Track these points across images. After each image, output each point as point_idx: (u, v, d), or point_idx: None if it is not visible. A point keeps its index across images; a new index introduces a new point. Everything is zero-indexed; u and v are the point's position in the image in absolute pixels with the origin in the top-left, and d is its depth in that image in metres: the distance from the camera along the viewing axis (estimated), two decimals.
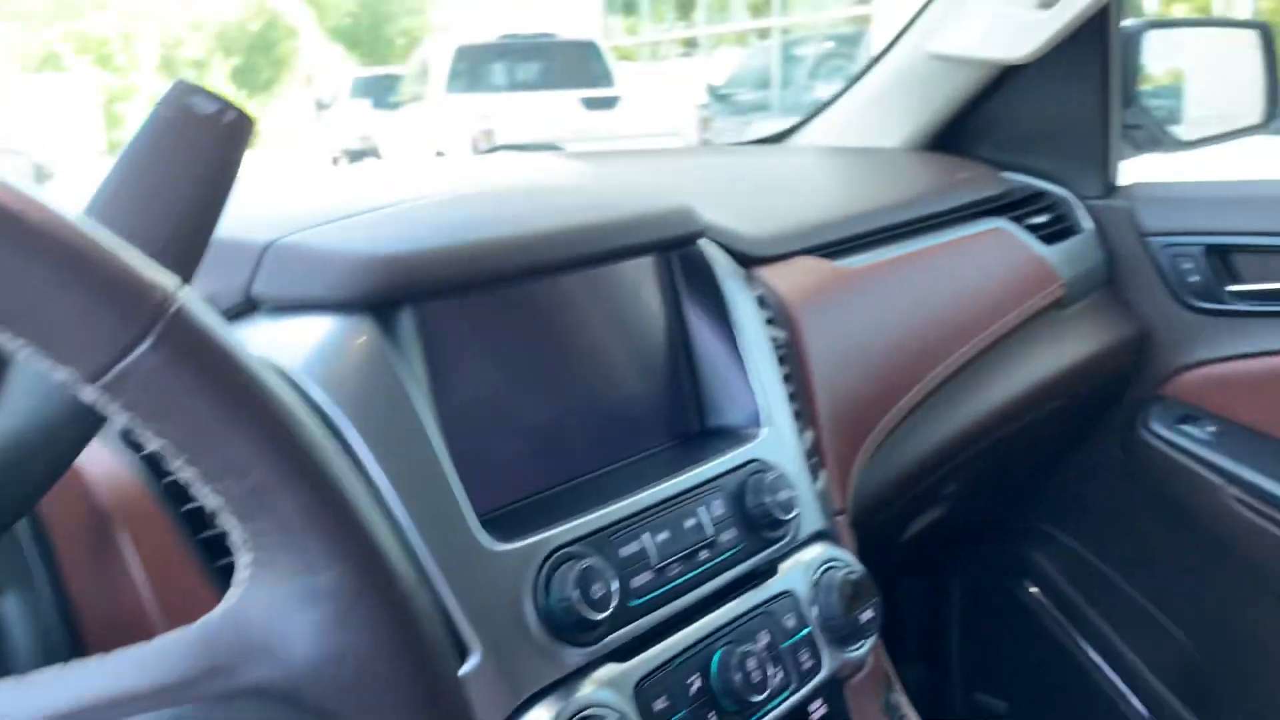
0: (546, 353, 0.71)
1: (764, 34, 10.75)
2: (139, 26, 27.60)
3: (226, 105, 0.43)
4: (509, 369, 0.68)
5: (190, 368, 0.29)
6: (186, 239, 0.42)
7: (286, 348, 0.58)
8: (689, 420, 0.78)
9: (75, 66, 25.54)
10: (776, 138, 1.52)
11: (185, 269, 0.42)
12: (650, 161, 1.21)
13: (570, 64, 9.12)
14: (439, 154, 7.98)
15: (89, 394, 0.29)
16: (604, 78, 9.03)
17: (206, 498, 0.32)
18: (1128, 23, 1.36)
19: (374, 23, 31.81)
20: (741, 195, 1.07)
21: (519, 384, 0.69)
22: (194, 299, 0.31)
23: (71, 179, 17.06)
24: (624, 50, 12.99)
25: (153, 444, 0.30)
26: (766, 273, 0.90)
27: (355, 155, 13.62)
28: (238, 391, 0.30)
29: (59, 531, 0.52)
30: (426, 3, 31.40)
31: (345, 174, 0.89)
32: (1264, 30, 1.44)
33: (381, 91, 11.52)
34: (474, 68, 8.86)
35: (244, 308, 0.61)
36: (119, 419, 0.30)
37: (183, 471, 0.31)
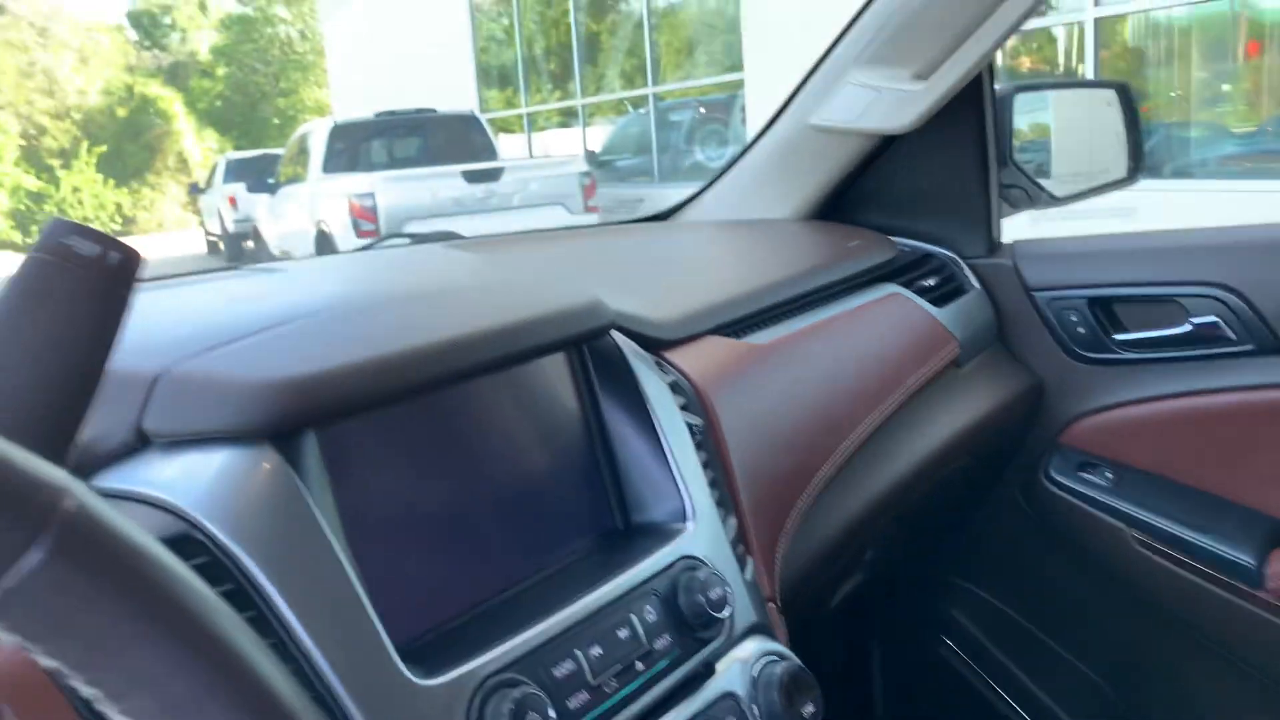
0: (459, 460, 0.68)
1: (639, 102, 10.95)
2: None
3: (110, 244, 0.40)
4: (421, 482, 0.65)
5: (89, 578, 0.26)
6: (66, 406, 0.38)
7: (183, 486, 0.54)
8: (612, 517, 0.76)
9: None
10: (667, 214, 1.53)
11: (64, 441, 0.38)
12: (547, 246, 1.20)
13: (451, 138, 9.11)
14: (321, 233, 7.84)
15: None
16: (486, 150, 9.03)
17: (113, 717, 0.28)
18: (998, 86, 1.41)
19: (247, 105, 31.41)
20: (643, 278, 1.06)
21: (433, 498, 0.66)
22: (89, 496, 0.27)
23: None
24: (502, 122, 13.06)
25: (45, 663, 0.27)
26: (676, 356, 0.89)
27: (233, 238, 13.35)
28: (148, 598, 0.27)
29: None
30: (299, 83, 31.15)
31: (234, 286, 0.85)
32: (1123, 89, 1.51)
33: (258, 173, 11.33)
34: (352, 146, 8.77)
35: (135, 444, 0.57)
36: (4, 640, 0.26)
37: (83, 689, 0.27)
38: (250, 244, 11.48)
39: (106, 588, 0.26)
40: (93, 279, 0.39)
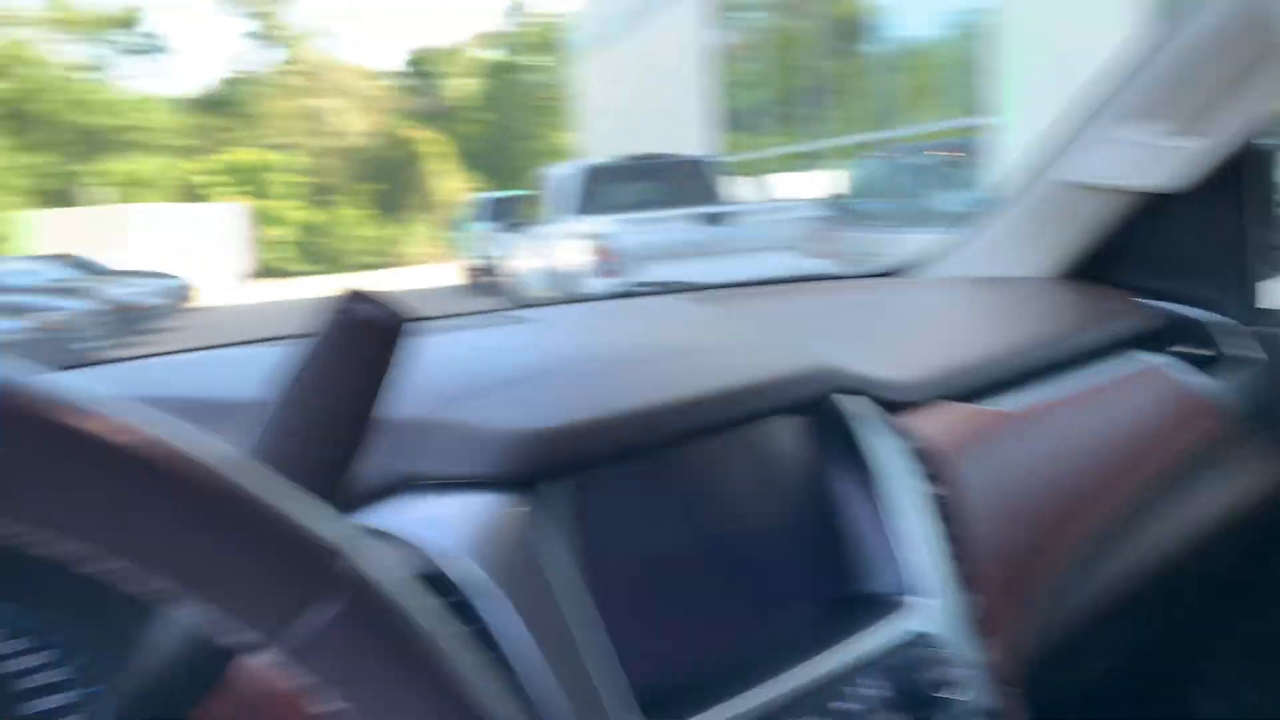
0: (688, 516, 0.69)
1: (878, 145, 10.81)
2: (279, 157, 29.42)
3: (388, 309, 0.43)
4: (650, 536, 0.67)
5: (371, 631, 0.28)
6: (343, 453, 0.41)
7: (441, 526, 0.57)
8: (840, 585, 0.74)
9: (220, 196, 27.31)
10: (908, 267, 1.50)
11: (338, 486, 0.42)
12: (785, 300, 1.20)
13: (688, 181, 9.30)
14: (565, 271, 8.16)
15: (270, 656, 0.28)
16: (722, 193, 9.17)
17: None
18: (1262, 142, 1.31)
19: (501, 147, 33.25)
20: (881, 337, 1.05)
21: (661, 551, 0.67)
22: (364, 560, 0.30)
23: (217, 301, 18.09)
24: (739, 165, 13.22)
25: (334, 705, 0.29)
26: (913, 421, 0.87)
27: (482, 273, 14.11)
28: (419, 654, 0.29)
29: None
30: (549, 127, 32.73)
31: (493, 335, 0.90)
32: None
33: (507, 212, 11.93)
34: (594, 188, 9.10)
35: (396, 485, 0.61)
36: (301, 680, 0.29)
37: None
38: (499, 279, 12.08)
39: (386, 642, 0.28)
40: (371, 339, 0.43)
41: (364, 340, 0.43)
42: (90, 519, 0.26)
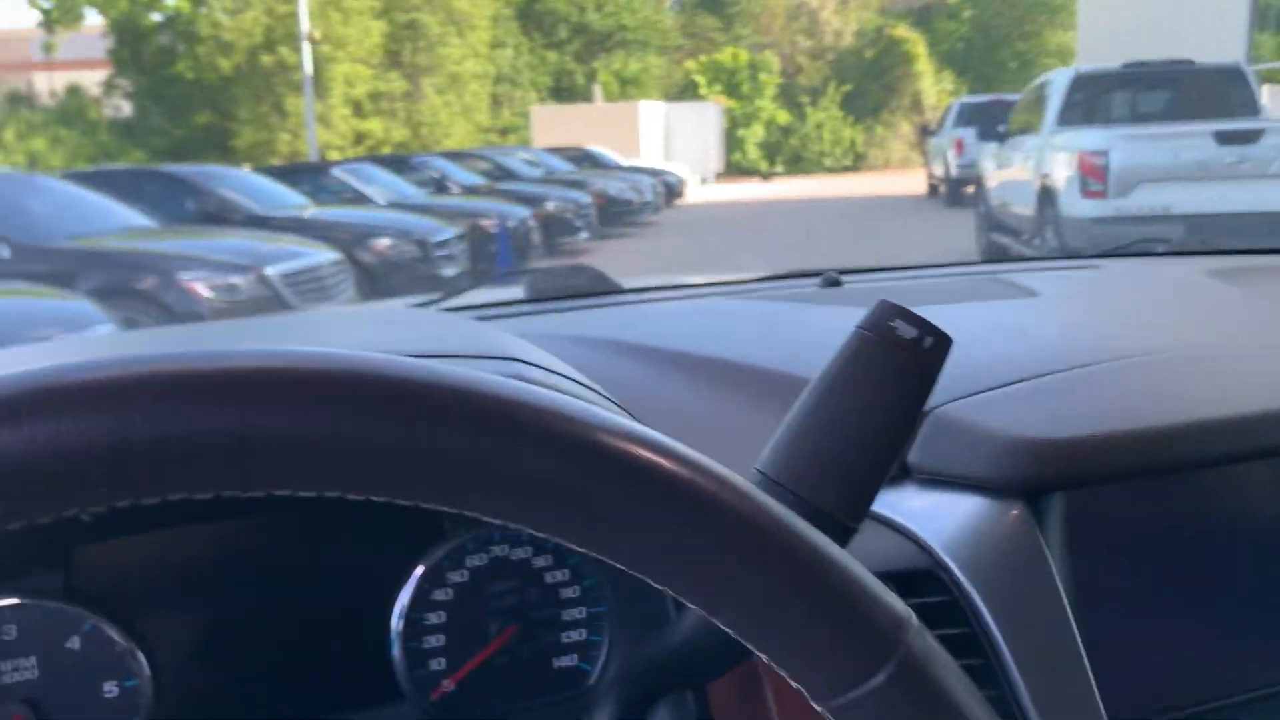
0: (1195, 550, 0.63)
1: None
2: (761, 57, 30.04)
3: (927, 329, 0.43)
4: (1152, 565, 0.62)
5: (918, 707, 0.29)
6: (871, 470, 0.42)
7: (934, 523, 0.58)
8: None
9: (703, 95, 28.55)
10: None
11: (865, 502, 0.42)
12: None
13: (1205, 93, 8.21)
14: (1044, 188, 7.64)
15: (819, 707, 0.30)
16: (1246, 108, 8.00)
17: None
18: None
19: (987, 47, 31.47)
20: None
21: (1161, 583, 0.62)
22: (924, 632, 0.31)
23: (695, 196, 19.13)
24: (1273, 74, 11.42)
25: None
26: None
27: (954, 184, 13.61)
28: None
29: None
30: (1044, 26, 30.34)
31: (994, 311, 0.87)
32: None
33: (988, 119, 11.30)
34: (1092, 98, 8.32)
35: (898, 474, 0.62)
36: None
37: None
38: (970, 190, 11.59)
39: (930, 716, 0.29)
40: (908, 359, 0.43)
41: (906, 361, 0.43)
42: (645, 553, 0.29)
